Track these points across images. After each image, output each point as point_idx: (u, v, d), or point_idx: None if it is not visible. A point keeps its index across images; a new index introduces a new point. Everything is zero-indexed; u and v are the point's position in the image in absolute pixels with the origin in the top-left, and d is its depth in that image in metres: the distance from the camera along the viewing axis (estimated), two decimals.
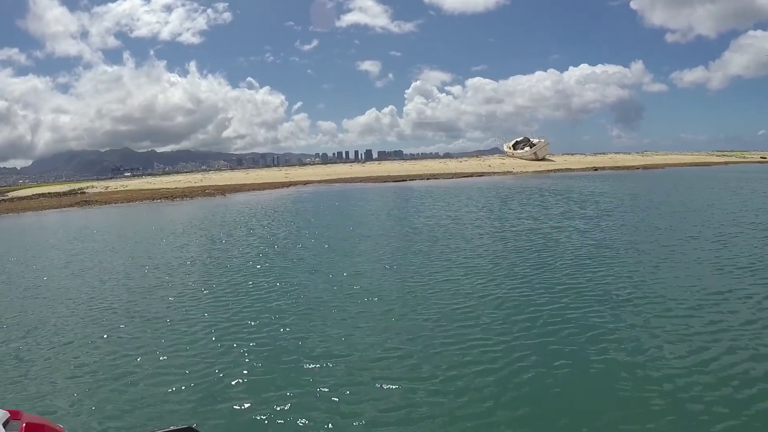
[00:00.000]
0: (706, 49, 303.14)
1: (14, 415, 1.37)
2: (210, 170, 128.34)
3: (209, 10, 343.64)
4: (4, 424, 1.26)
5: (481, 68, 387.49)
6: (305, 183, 55.61)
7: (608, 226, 18.20)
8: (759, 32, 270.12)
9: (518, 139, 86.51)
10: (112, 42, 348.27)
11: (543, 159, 76.23)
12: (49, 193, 60.07)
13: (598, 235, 16.18)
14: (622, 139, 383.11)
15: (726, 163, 74.30)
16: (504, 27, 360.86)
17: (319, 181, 56.56)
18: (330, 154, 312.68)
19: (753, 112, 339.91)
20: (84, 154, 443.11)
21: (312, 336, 8.07)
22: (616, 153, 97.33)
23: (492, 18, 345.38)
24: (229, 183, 58.58)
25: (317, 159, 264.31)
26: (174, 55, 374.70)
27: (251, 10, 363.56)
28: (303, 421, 5.56)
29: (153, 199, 45.24)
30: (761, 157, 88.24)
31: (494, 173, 59.76)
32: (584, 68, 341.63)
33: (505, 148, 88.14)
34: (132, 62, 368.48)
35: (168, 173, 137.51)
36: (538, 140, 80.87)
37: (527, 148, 79.68)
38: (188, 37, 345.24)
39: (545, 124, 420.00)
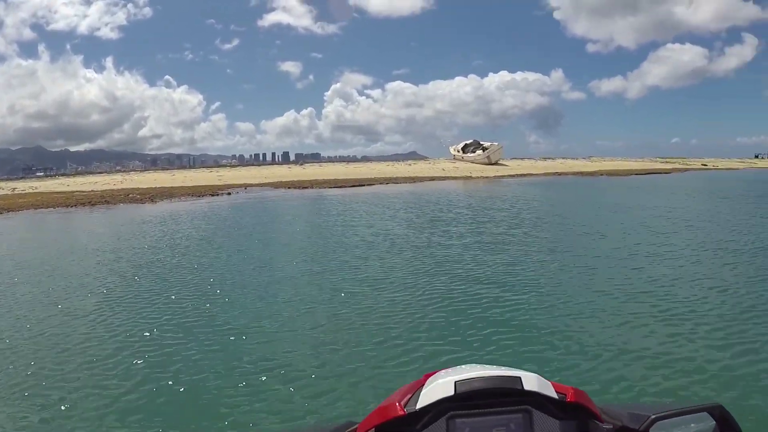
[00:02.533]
0: (626, 60, 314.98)
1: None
2: (125, 171, 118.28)
3: (129, 5, 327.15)
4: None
5: (402, 72, 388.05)
6: (245, 186, 48.60)
7: None
8: (677, 45, 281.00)
9: (467, 142, 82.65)
10: (28, 34, 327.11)
11: (496, 163, 72.38)
12: None
13: None
14: (540, 145, 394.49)
15: (680, 170, 73.92)
16: (428, 32, 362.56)
17: (260, 185, 49.88)
18: (247, 156, 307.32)
19: (668, 121, 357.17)
20: None
21: None
22: (563, 158, 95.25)
23: (416, 22, 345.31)
24: (153, 186, 50.71)
25: (234, 161, 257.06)
26: (91, 50, 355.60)
27: (172, 6, 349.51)
28: None
29: (68, 206, 35.98)
30: (702, 164, 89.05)
31: (453, 178, 55.45)
32: (504, 75, 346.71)
33: (452, 152, 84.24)
34: (47, 56, 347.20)
35: (82, 173, 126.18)
36: (490, 144, 77.12)
37: (479, 152, 75.73)
38: (107, 32, 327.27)
39: (464, 129, 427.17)
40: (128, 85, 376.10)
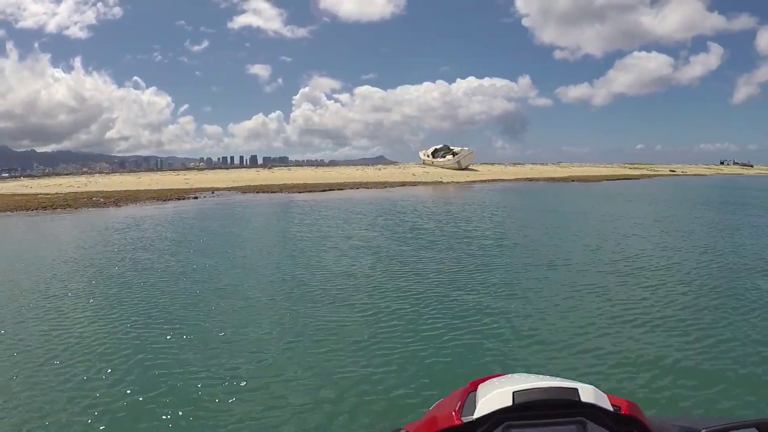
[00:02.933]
0: (592, 67, 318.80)
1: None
2: (93, 173, 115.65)
3: (99, 4, 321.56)
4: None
5: (371, 77, 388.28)
6: (212, 191, 47.45)
7: None
8: (643, 53, 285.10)
9: (437, 147, 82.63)
10: None
11: (466, 168, 72.20)
12: None
13: None
14: (506, 150, 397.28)
15: (648, 176, 74.90)
16: (397, 37, 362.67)
17: (228, 189, 48.83)
18: (215, 159, 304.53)
19: (633, 127, 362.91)
20: None
21: None
22: (533, 164, 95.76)
23: (386, 28, 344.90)
24: (119, 189, 49.20)
25: (202, 164, 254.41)
26: (59, 49, 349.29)
27: (142, 6, 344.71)
28: None
29: (28, 210, 33.97)
30: (670, 170, 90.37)
31: (423, 183, 55.08)
32: (472, 81, 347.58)
33: (422, 156, 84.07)
34: (16, 54, 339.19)
35: (48, 175, 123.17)
36: (460, 149, 77.04)
37: (449, 157, 75.56)
38: (75, 31, 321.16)
39: (431, 133, 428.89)
40: (96, 86, 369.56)
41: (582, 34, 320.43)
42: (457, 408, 1.15)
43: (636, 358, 7.21)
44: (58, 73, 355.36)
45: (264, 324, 9.15)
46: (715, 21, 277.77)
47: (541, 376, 1.21)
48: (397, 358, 7.44)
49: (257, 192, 46.26)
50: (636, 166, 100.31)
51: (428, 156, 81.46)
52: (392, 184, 52.06)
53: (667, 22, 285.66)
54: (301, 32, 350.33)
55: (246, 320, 9.40)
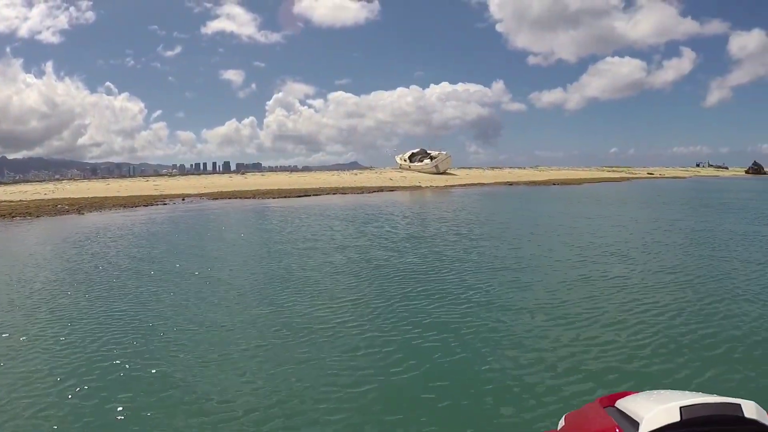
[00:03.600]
0: (566, 72, 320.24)
1: None
2: (63, 179, 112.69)
3: (72, 8, 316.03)
4: None
5: (344, 82, 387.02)
6: (183, 197, 45.60)
7: None
8: (616, 59, 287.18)
9: (414, 151, 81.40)
10: None
11: (444, 172, 71.13)
12: None
13: None
14: (480, 155, 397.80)
15: (627, 178, 75.20)
16: (371, 43, 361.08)
17: (199, 195, 47.01)
18: (188, 166, 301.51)
19: (606, 131, 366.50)
20: None
21: None
22: (511, 168, 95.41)
23: (360, 33, 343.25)
24: (86, 196, 47.07)
25: (175, 170, 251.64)
26: (31, 54, 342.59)
27: (115, 10, 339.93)
28: None
29: None
30: (648, 173, 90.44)
31: (402, 188, 54.05)
32: (446, 86, 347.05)
33: (399, 161, 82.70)
34: None
35: (18, 182, 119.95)
36: (438, 153, 75.85)
37: (427, 161, 74.51)
38: (48, 36, 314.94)
39: (405, 138, 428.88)
40: (68, 92, 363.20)
41: (556, 39, 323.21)
42: (613, 424, 1.16)
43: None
44: (30, 78, 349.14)
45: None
46: (688, 26, 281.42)
47: (684, 392, 1.20)
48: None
49: (230, 198, 44.50)
50: (614, 169, 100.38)
51: (405, 160, 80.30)
52: (369, 189, 50.86)
53: (640, 27, 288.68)
54: (275, 37, 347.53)
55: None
